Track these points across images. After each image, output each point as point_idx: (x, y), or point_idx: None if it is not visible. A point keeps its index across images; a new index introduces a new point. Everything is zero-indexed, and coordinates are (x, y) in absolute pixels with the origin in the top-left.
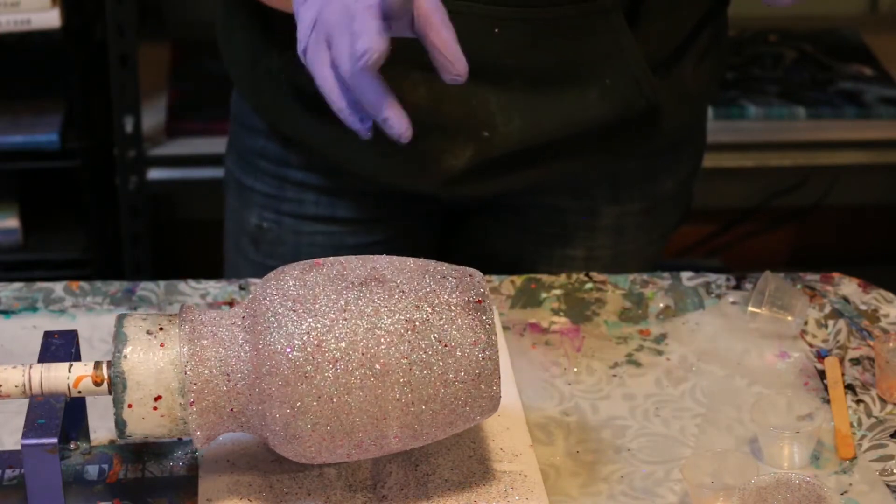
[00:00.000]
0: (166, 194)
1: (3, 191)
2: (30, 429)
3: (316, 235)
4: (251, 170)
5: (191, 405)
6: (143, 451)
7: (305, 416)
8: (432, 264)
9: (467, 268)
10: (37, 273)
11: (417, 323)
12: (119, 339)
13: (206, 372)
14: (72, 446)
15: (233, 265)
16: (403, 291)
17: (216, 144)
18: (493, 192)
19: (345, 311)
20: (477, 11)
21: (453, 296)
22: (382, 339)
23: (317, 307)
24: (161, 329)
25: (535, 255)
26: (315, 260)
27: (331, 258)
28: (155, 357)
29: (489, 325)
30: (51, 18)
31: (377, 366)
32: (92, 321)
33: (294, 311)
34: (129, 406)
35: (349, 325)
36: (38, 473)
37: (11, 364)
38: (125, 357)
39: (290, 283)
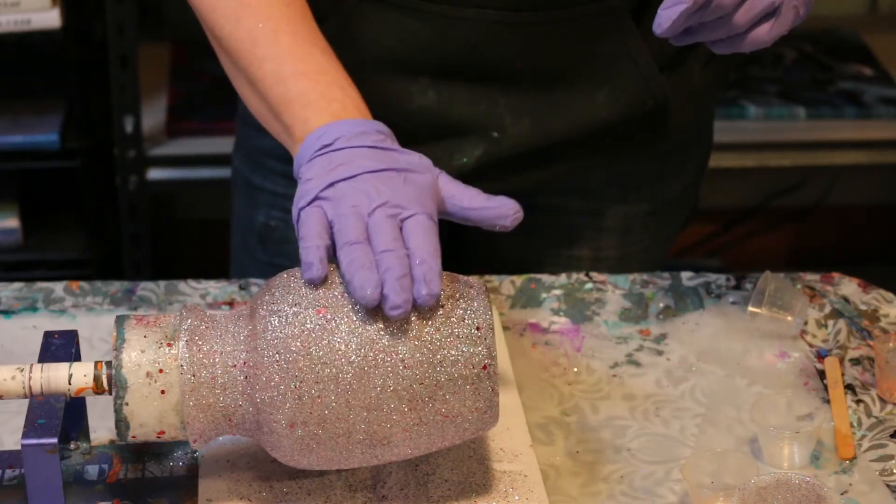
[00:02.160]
0: (166, 194)
1: (3, 191)
2: (30, 429)
3: None
4: (259, 169)
5: (193, 442)
6: (143, 451)
7: (306, 461)
8: (438, 314)
9: (474, 308)
10: (37, 273)
11: (420, 401)
12: (119, 382)
13: (209, 416)
14: (72, 446)
15: (239, 264)
16: (408, 366)
17: (216, 144)
18: (501, 193)
19: (349, 392)
20: (485, 17)
21: (458, 362)
22: (385, 419)
23: (320, 388)
24: (161, 371)
25: (542, 256)
26: (317, 307)
27: (332, 303)
28: (156, 403)
29: (493, 387)
30: (51, 18)
31: (378, 437)
32: (92, 321)
33: (296, 388)
34: (133, 437)
35: (353, 407)
36: (38, 473)
37: (11, 364)
38: (126, 403)
39: (292, 353)
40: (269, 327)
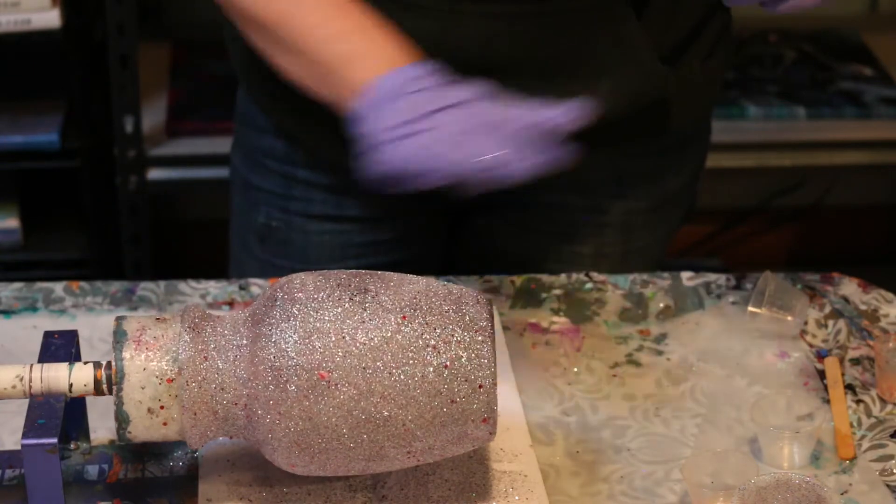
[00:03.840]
0: (166, 194)
1: (3, 191)
2: (30, 429)
3: (324, 234)
4: (258, 168)
5: (195, 450)
6: (143, 451)
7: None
8: (441, 376)
9: (477, 364)
10: (37, 273)
11: (420, 451)
12: (122, 416)
13: (211, 438)
14: (72, 446)
15: (238, 263)
16: (408, 429)
17: (216, 144)
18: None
19: (349, 449)
20: (484, 10)
21: (459, 422)
22: (385, 464)
23: (321, 444)
24: (162, 407)
25: (543, 253)
26: (320, 370)
27: (335, 365)
28: (160, 432)
29: (492, 430)
30: (51, 18)
31: (378, 473)
32: (92, 321)
33: (297, 443)
34: (136, 443)
35: (353, 458)
36: (38, 473)
37: (11, 364)
38: (129, 432)
39: (293, 418)
40: (271, 385)
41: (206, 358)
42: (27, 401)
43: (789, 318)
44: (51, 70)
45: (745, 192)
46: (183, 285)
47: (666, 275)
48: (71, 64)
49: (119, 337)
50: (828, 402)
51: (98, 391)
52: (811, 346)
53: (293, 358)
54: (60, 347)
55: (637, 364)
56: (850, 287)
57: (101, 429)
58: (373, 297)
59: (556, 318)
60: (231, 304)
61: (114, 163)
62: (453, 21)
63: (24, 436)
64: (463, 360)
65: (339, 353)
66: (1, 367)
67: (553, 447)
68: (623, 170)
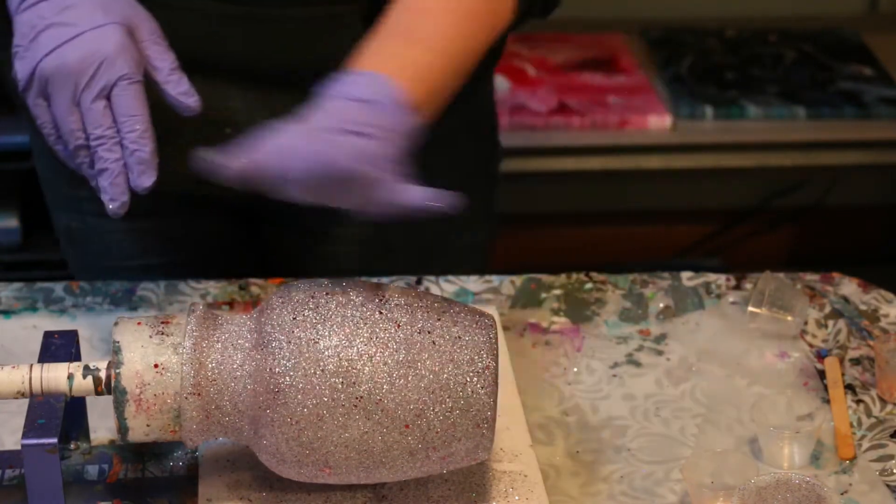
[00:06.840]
0: None
1: (3, 191)
2: (30, 429)
3: (118, 233)
4: (53, 168)
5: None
6: (143, 451)
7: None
8: (437, 436)
9: (477, 419)
10: (37, 273)
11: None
12: (123, 432)
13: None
14: (72, 446)
15: (69, 264)
16: (409, 469)
17: None
18: (244, 191)
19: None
20: (212, 10)
21: (457, 459)
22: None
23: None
24: (167, 440)
25: (304, 254)
26: (321, 466)
27: (336, 463)
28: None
29: (488, 454)
30: None
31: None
32: (92, 321)
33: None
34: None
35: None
36: (38, 473)
37: (11, 364)
38: (129, 439)
39: (296, 484)
40: (274, 461)
41: (209, 418)
42: (27, 401)
43: (789, 318)
44: None
45: (745, 192)
46: (183, 285)
47: (666, 275)
48: None
49: (119, 395)
50: (828, 402)
51: (98, 394)
52: (811, 346)
53: (295, 456)
54: (60, 347)
55: (637, 364)
56: (850, 287)
57: (101, 429)
58: (377, 402)
59: (556, 318)
60: (231, 304)
61: None
62: (179, 18)
63: (24, 436)
64: (463, 452)
65: (342, 455)
66: (1, 368)
67: (553, 447)
68: None
